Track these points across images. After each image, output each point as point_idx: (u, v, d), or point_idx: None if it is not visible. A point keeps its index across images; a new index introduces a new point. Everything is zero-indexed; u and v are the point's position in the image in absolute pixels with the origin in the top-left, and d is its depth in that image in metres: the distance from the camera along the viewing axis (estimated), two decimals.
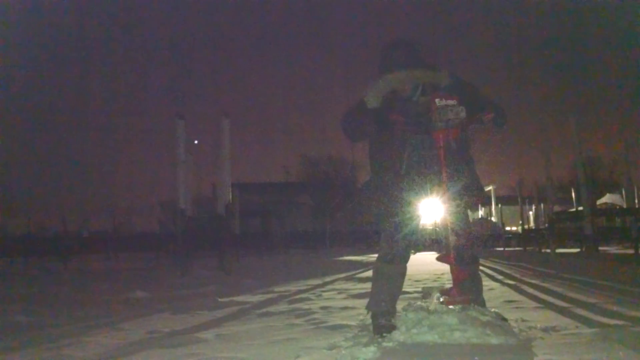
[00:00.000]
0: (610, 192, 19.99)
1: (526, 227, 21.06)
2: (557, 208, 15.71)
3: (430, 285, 4.87)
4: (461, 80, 2.67)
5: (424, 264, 8.99)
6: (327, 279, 6.51)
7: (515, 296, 4.02)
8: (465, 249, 2.62)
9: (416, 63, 2.62)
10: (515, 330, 2.47)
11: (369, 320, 2.66)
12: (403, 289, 2.82)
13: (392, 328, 2.46)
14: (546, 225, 13.58)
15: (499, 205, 25.39)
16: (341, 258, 13.42)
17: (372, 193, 2.69)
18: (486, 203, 26.06)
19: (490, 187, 25.71)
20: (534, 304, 3.57)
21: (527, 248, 15.26)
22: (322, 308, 3.66)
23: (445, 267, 2.71)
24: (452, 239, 2.57)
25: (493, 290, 4.43)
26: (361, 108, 2.62)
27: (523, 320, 2.75)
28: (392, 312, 2.60)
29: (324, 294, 4.69)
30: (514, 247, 18.38)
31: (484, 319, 2.43)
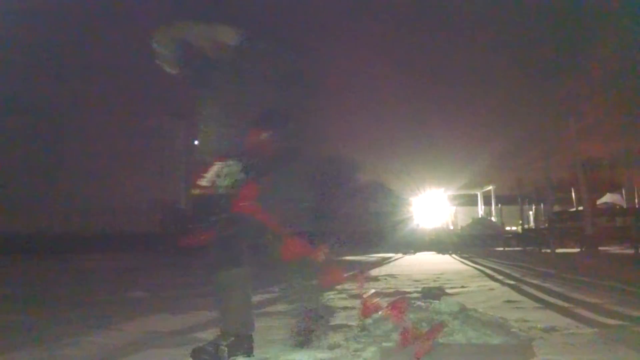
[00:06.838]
0: (610, 192, 19.96)
1: (526, 227, 21.07)
2: (557, 208, 15.72)
3: (430, 285, 4.86)
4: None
5: (424, 264, 8.99)
6: None
7: (516, 296, 4.02)
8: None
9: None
10: (516, 330, 2.47)
11: (369, 321, 2.62)
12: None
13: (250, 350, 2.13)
14: (546, 225, 13.59)
15: (499, 205, 25.41)
16: (341, 258, 13.40)
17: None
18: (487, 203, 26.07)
19: (490, 187, 25.71)
20: (534, 304, 3.57)
21: (527, 248, 15.27)
22: (322, 308, 3.65)
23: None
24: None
25: (493, 290, 4.43)
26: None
27: (523, 321, 2.75)
28: (250, 328, 2.20)
29: (323, 294, 4.67)
30: (514, 247, 18.37)
31: (485, 319, 2.43)
